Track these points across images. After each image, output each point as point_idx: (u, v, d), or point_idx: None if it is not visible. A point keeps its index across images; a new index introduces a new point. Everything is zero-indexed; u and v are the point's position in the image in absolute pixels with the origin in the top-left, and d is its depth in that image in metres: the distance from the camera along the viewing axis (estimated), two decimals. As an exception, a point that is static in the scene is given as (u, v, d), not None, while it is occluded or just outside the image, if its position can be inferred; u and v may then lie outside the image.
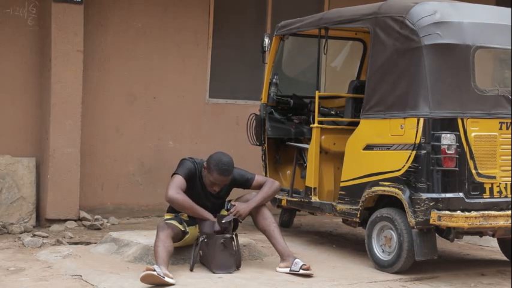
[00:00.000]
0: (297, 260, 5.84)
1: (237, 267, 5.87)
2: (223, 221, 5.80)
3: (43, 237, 7.27)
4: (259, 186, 6.05)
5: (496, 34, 6.12)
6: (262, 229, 6.00)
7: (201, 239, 5.81)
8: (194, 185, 5.92)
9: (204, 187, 5.95)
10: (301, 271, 5.76)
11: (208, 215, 5.84)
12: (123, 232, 6.76)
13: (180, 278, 5.52)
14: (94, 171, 8.40)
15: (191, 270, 5.76)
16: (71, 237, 7.34)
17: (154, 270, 5.28)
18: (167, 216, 6.02)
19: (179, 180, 5.80)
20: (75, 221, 8.01)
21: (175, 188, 5.76)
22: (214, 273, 5.72)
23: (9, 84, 8.13)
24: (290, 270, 5.81)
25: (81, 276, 5.64)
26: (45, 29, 8.07)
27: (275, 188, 6.06)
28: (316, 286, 5.56)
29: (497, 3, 9.50)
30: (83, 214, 8.10)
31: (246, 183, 6.05)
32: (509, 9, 6.38)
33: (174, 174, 5.88)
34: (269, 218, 5.98)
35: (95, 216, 8.12)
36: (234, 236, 5.87)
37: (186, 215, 5.95)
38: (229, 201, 6.01)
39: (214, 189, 5.92)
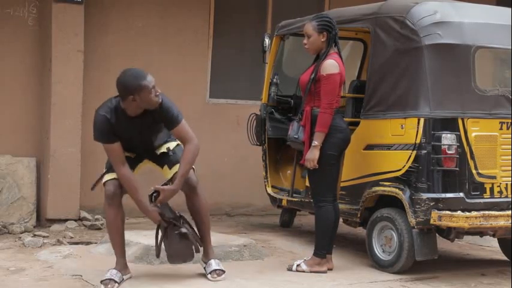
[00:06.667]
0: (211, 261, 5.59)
1: (196, 251, 5.53)
2: (167, 218, 5.43)
3: (43, 237, 7.27)
4: (181, 139, 5.43)
5: (496, 34, 6.12)
6: (194, 217, 5.59)
7: (164, 226, 5.44)
8: (119, 127, 5.36)
9: (134, 123, 5.39)
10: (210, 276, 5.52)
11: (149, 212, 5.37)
12: (123, 232, 6.75)
13: (180, 277, 5.52)
14: (94, 171, 8.34)
15: (157, 256, 5.55)
16: (72, 237, 7.34)
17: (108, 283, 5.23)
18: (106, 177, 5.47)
19: (108, 149, 5.34)
20: (75, 221, 8.01)
21: (115, 165, 5.34)
22: (170, 263, 5.55)
23: (9, 84, 8.13)
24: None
25: (81, 276, 5.64)
26: (45, 29, 8.07)
27: (196, 151, 5.36)
28: (317, 286, 5.56)
29: (497, 3, 9.50)
30: (84, 214, 8.10)
31: (169, 120, 5.38)
32: (509, 9, 6.38)
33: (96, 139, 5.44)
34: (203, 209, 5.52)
35: (96, 216, 8.11)
36: (183, 221, 5.45)
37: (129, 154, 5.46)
38: (154, 192, 5.38)
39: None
